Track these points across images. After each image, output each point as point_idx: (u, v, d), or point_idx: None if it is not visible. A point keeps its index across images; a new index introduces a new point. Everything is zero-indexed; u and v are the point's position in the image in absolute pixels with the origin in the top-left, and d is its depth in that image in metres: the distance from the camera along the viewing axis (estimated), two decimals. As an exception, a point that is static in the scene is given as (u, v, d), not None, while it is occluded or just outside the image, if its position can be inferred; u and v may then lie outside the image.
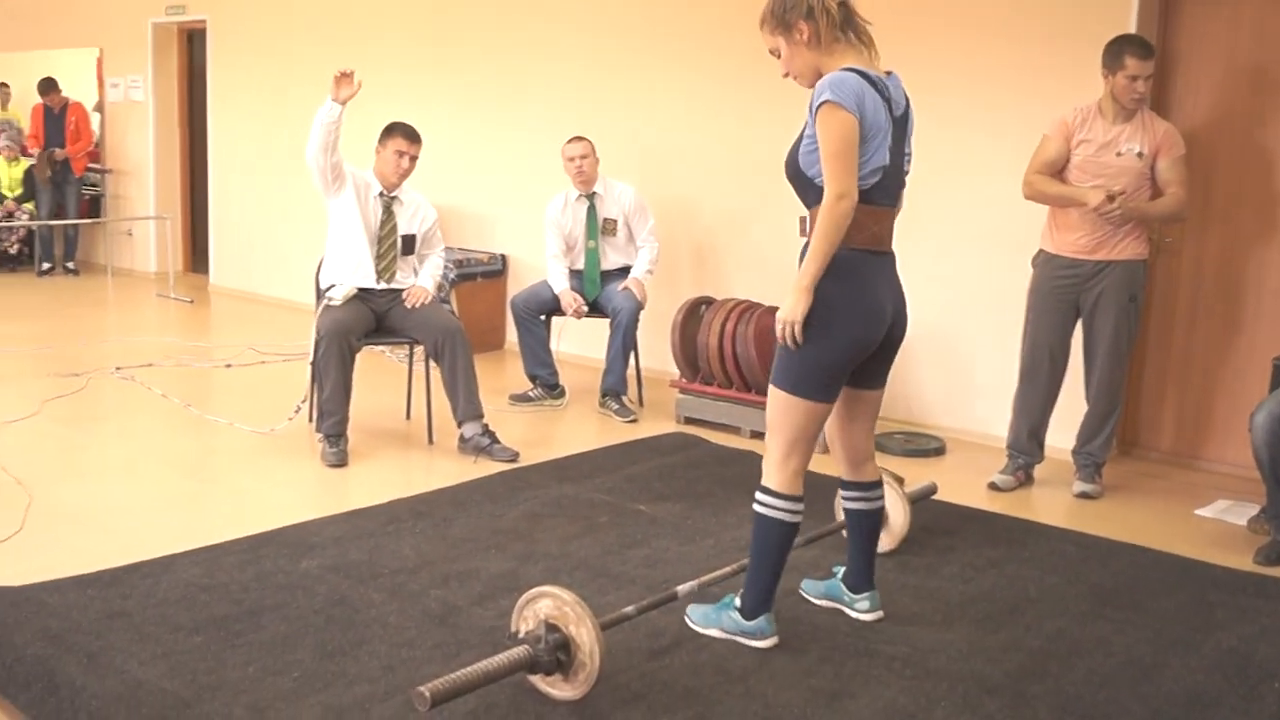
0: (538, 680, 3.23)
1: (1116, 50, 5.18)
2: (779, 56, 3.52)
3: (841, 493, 3.86)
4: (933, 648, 3.65)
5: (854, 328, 3.40)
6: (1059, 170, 5.31)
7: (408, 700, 3.05)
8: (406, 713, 3.07)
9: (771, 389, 3.51)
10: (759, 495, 3.53)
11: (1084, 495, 5.44)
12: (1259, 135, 5.70)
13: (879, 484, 3.82)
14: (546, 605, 3.23)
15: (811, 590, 3.96)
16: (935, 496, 4.93)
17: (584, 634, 3.15)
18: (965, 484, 5.50)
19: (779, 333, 3.39)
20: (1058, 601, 4.09)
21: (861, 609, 3.84)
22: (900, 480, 4.54)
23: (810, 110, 3.36)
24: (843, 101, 3.28)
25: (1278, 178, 5.68)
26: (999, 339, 6.13)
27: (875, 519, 3.84)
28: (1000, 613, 3.97)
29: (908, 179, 3.62)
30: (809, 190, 3.42)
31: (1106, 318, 5.31)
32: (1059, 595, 4.15)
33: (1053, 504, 5.40)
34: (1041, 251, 5.46)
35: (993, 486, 5.53)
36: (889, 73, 3.48)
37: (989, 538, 4.72)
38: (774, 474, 3.51)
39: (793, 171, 3.48)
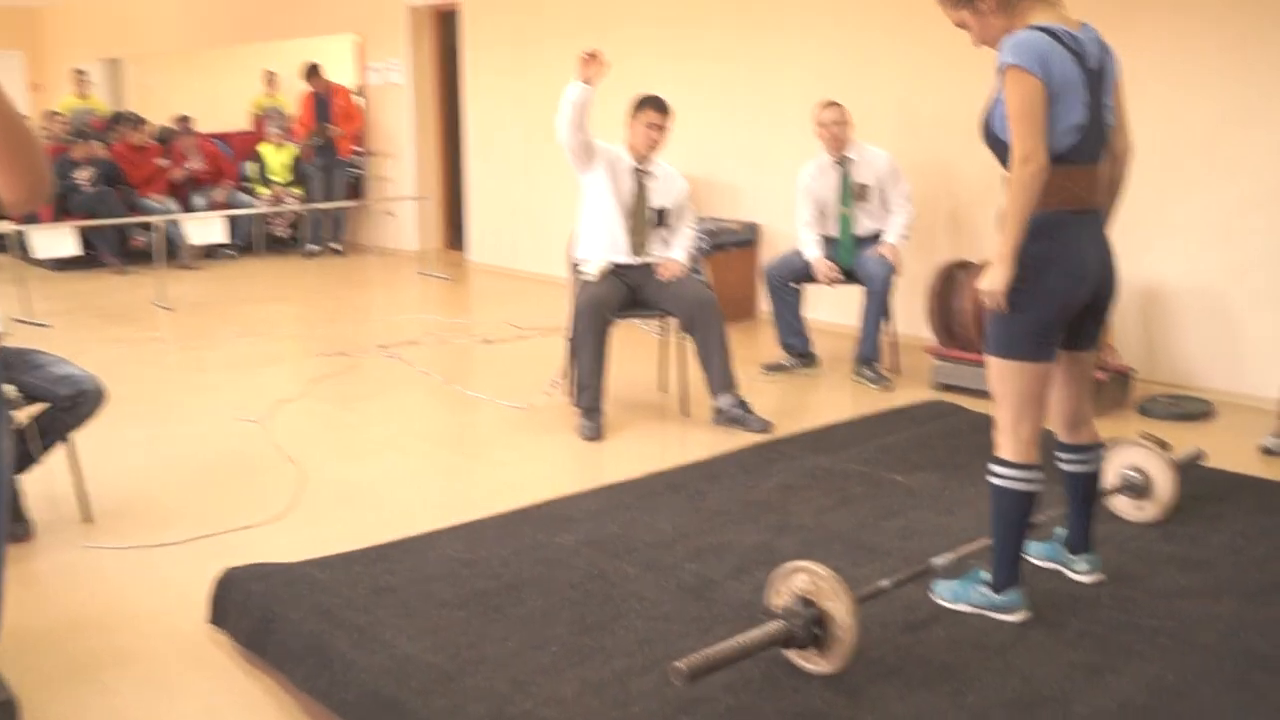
0: (792, 654, 3.23)
1: None
2: (966, 29, 3.46)
3: (1058, 454, 3.76)
4: (1200, 621, 3.51)
5: (1056, 284, 3.32)
6: None
7: (665, 674, 3.08)
8: (663, 686, 3.09)
9: (988, 359, 3.45)
10: (992, 466, 3.47)
11: (1367, 459, 5.13)
12: None
13: (1096, 446, 3.74)
14: (802, 580, 3.22)
15: (1034, 551, 3.87)
16: (1203, 462, 4.72)
17: (840, 609, 3.13)
18: (1235, 449, 5.25)
19: (984, 302, 3.35)
20: (1339, 574, 3.86)
21: (1080, 570, 3.79)
22: (1165, 445, 4.34)
23: (998, 72, 3.28)
24: (1024, 64, 3.20)
25: None
26: (1273, 296, 5.78)
27: (1092, 482, 3.77)
28: (1274, 585, 3.78)
29: (1126, 133, 3.53)
30: (1005, 152, 3.35)
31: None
32: (1340, 567, 3.91)
33: (1333, 469, 5.10)
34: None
35: (1266, 451, 5.27)
36: (1082, 24, 3.36)
37: (1262, 505, 4.49)
38: (1006, 443, 3.44)
39: (987, 134, 3.42)
